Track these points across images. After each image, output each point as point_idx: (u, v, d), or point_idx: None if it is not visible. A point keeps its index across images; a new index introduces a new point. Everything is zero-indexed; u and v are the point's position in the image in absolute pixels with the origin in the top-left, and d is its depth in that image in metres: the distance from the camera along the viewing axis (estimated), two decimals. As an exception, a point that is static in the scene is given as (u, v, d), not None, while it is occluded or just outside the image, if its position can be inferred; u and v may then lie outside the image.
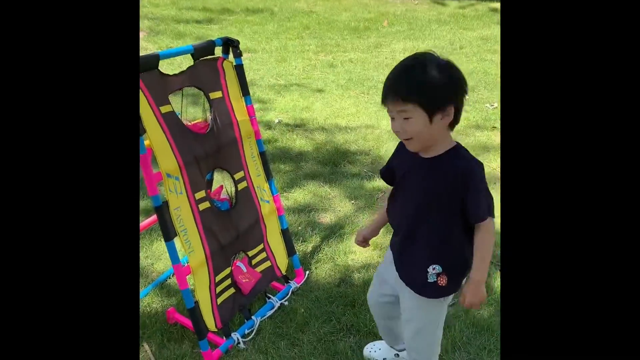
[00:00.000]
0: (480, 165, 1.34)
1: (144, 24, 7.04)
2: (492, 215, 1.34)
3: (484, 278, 1.36)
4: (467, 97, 1.35)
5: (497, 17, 8.41)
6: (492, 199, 1.36)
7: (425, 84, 1.27)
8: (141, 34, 6.63)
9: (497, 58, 6.07)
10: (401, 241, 1.45)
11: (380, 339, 1.90)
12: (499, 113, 4.38)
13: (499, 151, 3.66)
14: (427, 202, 1.37)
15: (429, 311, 1.48)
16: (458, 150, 1.36)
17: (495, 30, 7.47)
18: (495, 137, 3.91)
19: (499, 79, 5.26)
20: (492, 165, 3.47)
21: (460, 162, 1.34)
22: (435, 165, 1.35)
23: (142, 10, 7.56)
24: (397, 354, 1.86)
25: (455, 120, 1.33)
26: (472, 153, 3.40)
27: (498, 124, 4.14)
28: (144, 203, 2.89)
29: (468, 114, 4.32)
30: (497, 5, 9.37)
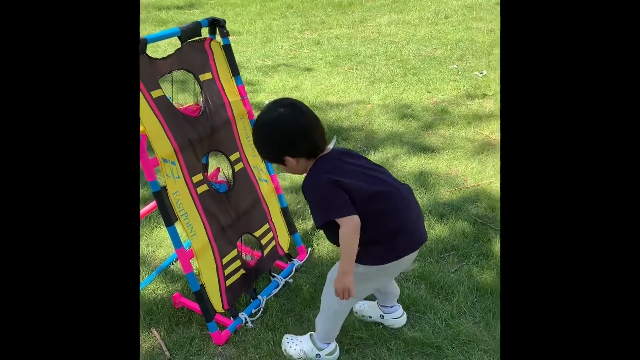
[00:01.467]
0: (315, 181, 1.55)
1: (124, 13, 6.94)
2: (339, 216, 1.50)
3: (346, 269, 1.53)
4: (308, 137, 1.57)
5: (481, -16, 8.34)
6: (340, 200, 1.50)
7: (259, 151, 1.69)
8: (123, 24, 6.54)
9: (482, 26, 6.04)
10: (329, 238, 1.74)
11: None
12: (488, 81, 4.38)
13: (490, 118, 3.67)
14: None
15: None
16: (309, 171, 1.60)
17: (480, -2, 7.42)
18: (486, 105, 3.91)
19: (485, 47, 5.26)
20: (484, 132, 3.47)
21: (304, 181, 1.61)
22: None
23: (122, -1, 7.44)
24: (382, 316, 1.93)
25: (311, 151, 1.58)
26: (464, 122, 3.45)
27: (488, 92, 4.14)
28: (140, 192, 2.88)
29: (458, 83, 4.31)
30: (480, -28, 9.28)
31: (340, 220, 1.49)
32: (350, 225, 1.49)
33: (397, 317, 1.92)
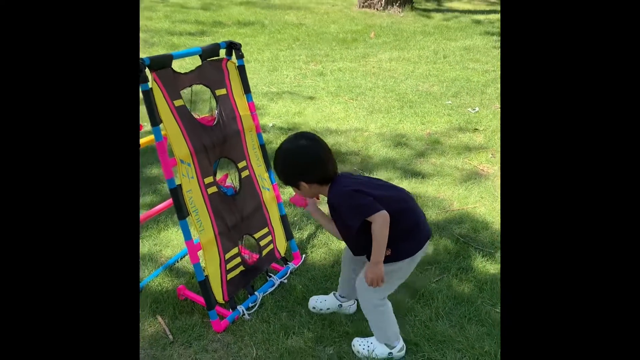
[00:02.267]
0: (342, 193, 1.78)
1: (139, 36, 7.27)
2: (371, 213, 1.72)
3: (378, 259, 1.77)
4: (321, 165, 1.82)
5: (480, 28, 8.76)
6: (367, 200, 1.74)
7: (279, 175, 1.89)
8: (136, 46, 6.85)
9: (478, 66, 6.38)
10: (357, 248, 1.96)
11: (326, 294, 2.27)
12: (480, 117, 4.65)
13: (479, 150, 3.92)
14: (339, 225, 1.89)
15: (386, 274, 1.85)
16: (330, 189, 1.83)
17: (477, 41, 7.81)
18: (476, 138, 4.17)
19: (480, 86, 5.57)
20: (473, 162, 3.72)
21: (329, 199, 1.83)
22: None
23: (137, 23, 7.79)
24: (341, 305, 2.19)
25: (323, 179, 1.83)
26: (454, 152, 3.76)
27: (479, 127, 4.41)
28: (149, 198, 3.10)
29: (451, 118, 4.59)
30: (480, 17, 9.73)
31: (372, 217, 1.71)
32: (381, 219, 1.71)
33: (351, 305, 2.20)
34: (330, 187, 1.83)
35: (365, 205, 1.73)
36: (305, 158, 1.83)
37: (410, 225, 1.85)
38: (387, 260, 1.81)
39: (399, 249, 1.83)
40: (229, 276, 2.15)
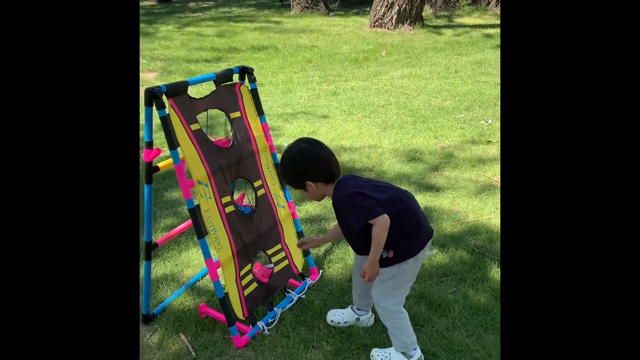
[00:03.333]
0: (346, 195, 1.86)
1: (156, 64, 7.49)
2: (373, 217, 1.80)
3: (375, 258, 1.85)
4: (323, 165, 1.91)
5: (491, 42, 8.82)
6: (369, 203, 1.82)
7: (286, 179, 2.01)
8: (154, 74, 7.06)
9: (490, 80, 6.42)
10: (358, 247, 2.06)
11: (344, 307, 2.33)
12: (493, 129, 4.68)
13: (493, 162, 3.95)
14: (342, 224, 1.99)
15: (390, 273, 1.95)
16: (334, 190, 1.92)
17: (489, 55, 7.86)
18: (490, 150, 4.20)
19: (492, 99, 5.60)
20: (487, 174, 3.75)
21: (333, 200, 1.92)
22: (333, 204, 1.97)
23: (154, 53, 8.03)
24: (358, 318, 2.24)
25: (328, 177, 1.92)
26: (468, 165, 3.82)
27: (492, 139, 4.44)
28: (169, 220, 3.19)
29: (464, 131, 4.63)
30: (491, 31, 9.80)
31: (373, 220, 1.80)
32: (382, 223, 1.79)
33: (369, 318, 2.26)
34: (335, 188, 1.92)
35: (367, 208, 1.81)
36: (307, 158, 1.92)
37: (410, 226, 1.90)
38: (392, 262, 1.90)
39: (401, 250, 1.89)
40: (246, 292, 2.21)
